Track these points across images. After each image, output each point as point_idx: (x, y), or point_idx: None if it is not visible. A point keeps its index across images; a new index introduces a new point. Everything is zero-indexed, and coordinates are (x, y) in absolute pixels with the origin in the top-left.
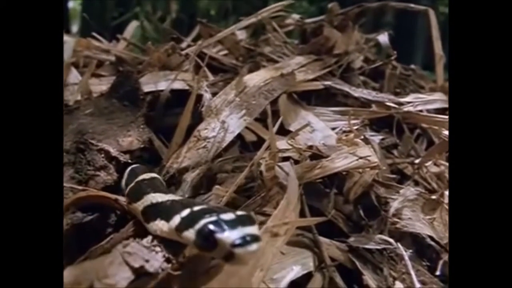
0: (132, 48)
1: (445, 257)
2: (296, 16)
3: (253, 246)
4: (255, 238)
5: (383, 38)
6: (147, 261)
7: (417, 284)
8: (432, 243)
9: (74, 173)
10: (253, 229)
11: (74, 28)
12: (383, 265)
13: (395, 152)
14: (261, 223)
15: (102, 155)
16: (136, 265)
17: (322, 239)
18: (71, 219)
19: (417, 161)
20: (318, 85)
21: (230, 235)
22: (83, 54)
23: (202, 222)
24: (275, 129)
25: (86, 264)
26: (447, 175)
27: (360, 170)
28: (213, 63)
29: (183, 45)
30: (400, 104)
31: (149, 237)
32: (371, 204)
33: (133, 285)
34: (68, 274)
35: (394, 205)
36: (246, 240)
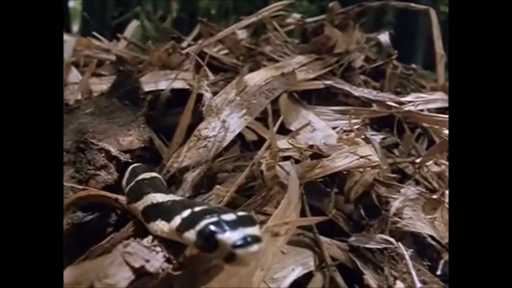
0: (132, 47)
1: (446, 256)
2: (296, 16)
3: (254, 247)
4: (256, 239)
5: (384, 37)
6: (147, 261)
7: (418, 284)
8: (433, 242)
9: (74, 172)
10: (254, 230)
11: (75, 27)
12: (384, 265)
13: (396, 151)
14: (262, 223)
15: (103, 155)
16: (137, 265)
17: (323, 238)
18: (71, 218)
19: (418, 160)
20: (319, 84)
21: (231, 236)
22: (83, 53)
23: (203, 223)
24: (275, 128)
25: (86, 264)
26: (448, 174)
27: (361, 169)
28: (213, 63)
29: (184, 44)
30: (401, 103)
31: (150, 237)
32: (371, 204)
33: (134, 285)
34: (68, 274)
35: (395, 204)
36: (247, 241)
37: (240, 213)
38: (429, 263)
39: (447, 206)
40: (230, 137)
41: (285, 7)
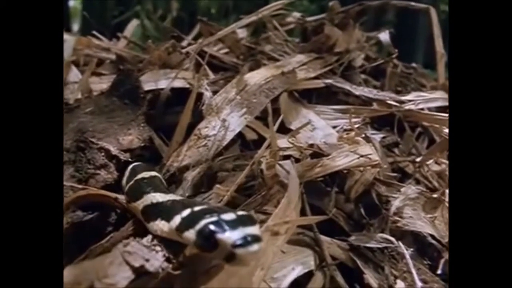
0: (132, 46)
1: (447, 255)
2: (297, 14)
3: (254, 247)
4: (256, 239)
5: (384, 36)
6: (147, 260)
7: (418, 283)
8: (433, 241)
9: (74, 171)
10: (254, 229)
11: (75, 26)
12: (384, 264)
13: (396, 150)
14: (262, 222)
15: (103, 154)
16: (136, 264)
17: (323, 237)
18: (71, 217)
19: (418, 159)
20: (319, 83)
21: (231, 236)
22: (83, 52)
23: (203, 222)
24: (276, 127)
25: (86, 264)
26: (448, 173)
27: (361, 168)
28: (213, 62)
29: (184, 43)
30: (401, 102)
31: (149, 236)
32: (372, 203)
33: (133, 284)
34: (68, 273)
35: (395, 203)
36: (247, 241)
37: (240, 213)
38: (429, 262)
39: (447, 205)
40: (230, 136)
41: (285, 6)
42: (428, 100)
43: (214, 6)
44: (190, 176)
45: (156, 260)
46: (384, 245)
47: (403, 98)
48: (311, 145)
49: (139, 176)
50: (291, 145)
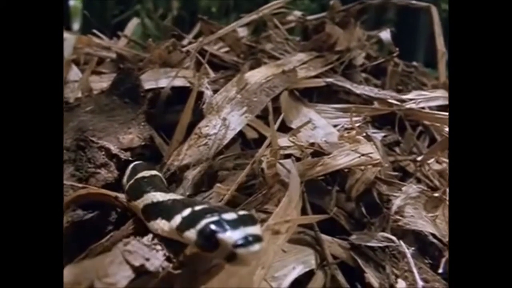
0: (133, 45)
1: (448, 254)
2: (297, 13)
3: (255, 247)
4: (257, 238)
5: (385, 35)
6: (147, 259)
7: (420, 282)
8: (435, 240)
9: (74, 170)
10: (255, 229)
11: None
12: (386, 263)
13: (397, 149)
14: (263, 221)
15: (103, 153)
16: (137, 263)
17: (324, 236)
18: (71, 216)
19: (419, 158)
20: (320, 82)
21: (232, 235)
22: (83, 51)
23: (204, 222)
24: (276, 126)
25: (86, 263)
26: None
27: (362, 167)
28: (214, 60)
29: (184, 42)
30: (402, 101)
31: (150, 235)
32: (373, 202)
33: (134, 284)
34: (68, 273)
35: (396, 202)
36: (248, 240)
37: (241, 212)
38: (430, 261)
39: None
40: (230, 135)
41: (286, 4)
42: (429, 99)
43: (215, 5)
44: (191, 175)
45: (157, 259)
46: (385, 244)
47: (404, 97)
48: (312, 144)
49: (140, 175)
50: (292, 144)
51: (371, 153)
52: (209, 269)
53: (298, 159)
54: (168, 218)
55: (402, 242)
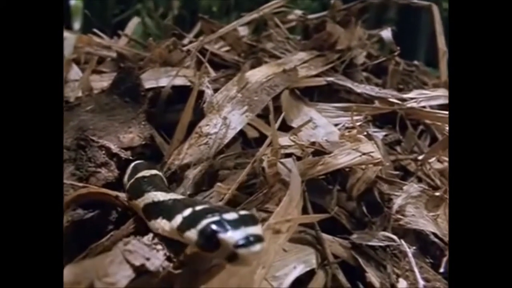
0: (133, 44)
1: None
2: (298, 12)
3: (257, 247)
4: (258, 238)
5: (386, 33)
6: (148, 259)
7: (421, 281)
8: (436, 240)
9: (75, 170)
10: (256, 229)
11: (76, 25)
12: (387, 262)
13: (398, 148)
14: (263, 220)
15: (103, 152)
16: (137, 263)
17: (325, 236)
18: (71, 216)
19: (420, 157)
20: (321, 81)
21: (233, 235)
22: (84, 50)
23: (205, 222)
24: (277, 125)
25: (86, 263)
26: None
27: (363, 166)
28: (214, 59)
29: (185, 41)
30: (403, 100)
31: (150, 235)
32: (374, 201)
33: (134, 283)
34: (68, 272)
35: (398, 201)
36: (250, 241)
37: (242, 212)
38: (431, 261)
39: None
40: (231, 134)
41: (287, 3)
42: (430, 98)
43: (216, 4)
44: (191, 174)
45: (157, 259)
46: (386, 243)
47: (405, 96)
48: (313, 143)
49: (140, 174)
50: (292, 143)
51: (372, 152)
52: (209, 268)
53: (299, 158)
54: (169, 217)
55: (403, 242)
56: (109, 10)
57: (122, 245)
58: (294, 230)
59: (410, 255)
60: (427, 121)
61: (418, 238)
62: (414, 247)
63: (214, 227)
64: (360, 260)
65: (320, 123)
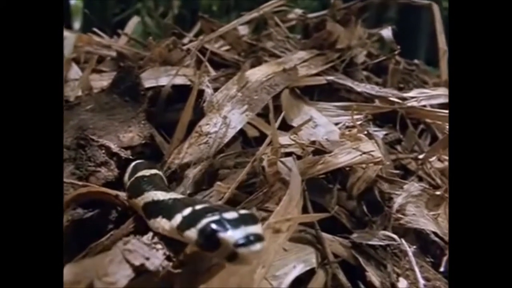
0: (133, 43)
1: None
2: (298, 11)
3: (257, 246)
4: (258, 238)
5: (387, 32)
6: (147, 259)
7: (421, 281)
8: (436, 239)
9: (74, 169)
10: (256, 228)
11: (76, 25)
12: (387, 262)
13: (398, 147)
14: (263, 219)
15: (103, 151)
16: (137, 263)
17: (325, 235)
18: (71, 215)
19: (421, 156)
20: (321, 80)
21: (233, 235)
22: (84, 49)
23: (204, 221)
24: (277, 124)
25: (86, 262)
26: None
27: (364, 165)
28: (214, 58)
29: (185, 40)
30: (404, 99)
31: (150, 234)
32: (374, 200)
33: (133, 283)
34: (68, 272)
35: (398, 200)
36: (250, 240)
37: (242, 211)
38: (432, 260)
39: None
40: (231, 133)
41: (287, 2)
42: (430, 97)
43: (216, 3)
44: (191, 173)
45: (157, 258)
46: (387, 242)
47: (405, 95)
48: (313, 142)
49: (140, 173)
50: (292, 142)
51: (373, 151)
52: (209, 268)
53: (299, 157)
54: (169, 217)
55: (403, 241)
56: (109, 9)
57: (121, 244)
58: (294, 229)
59: (410, 254)
60: (428, 120)
61: (419, 237)
62: (414, 246)
63: (214, 226)
64: (360, 259)
65: (320, 122)
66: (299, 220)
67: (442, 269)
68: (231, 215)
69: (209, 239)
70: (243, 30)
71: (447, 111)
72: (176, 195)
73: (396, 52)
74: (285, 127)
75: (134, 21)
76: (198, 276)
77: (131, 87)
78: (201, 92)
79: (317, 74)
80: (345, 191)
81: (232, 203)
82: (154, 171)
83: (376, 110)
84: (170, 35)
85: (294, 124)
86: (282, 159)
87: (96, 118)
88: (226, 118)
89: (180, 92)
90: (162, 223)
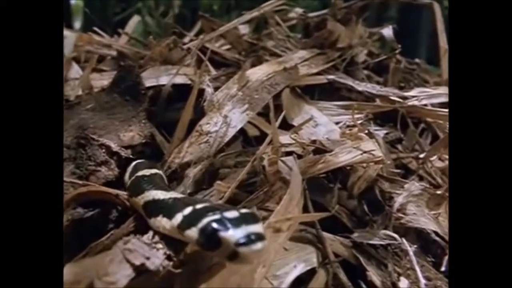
0: (134, 43)
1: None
2: (299, 10)
3: (258, 245)
4: (259, 237)
5: (388, 31)
6: (148, 258)
7: (422, 280)
8: (437, 238)
9: (75, 168)
10: (257, 227)
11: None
12: (388, 261)
13: (399, 146)
14: (264, 219)
15: (103, 150)
16: (137, 262)
17: (326, 234)
18: (71, 214)
19: (421, 155)
20: (322, 79)
21: (234, 234)
22: (84, 49)
23: (205, 220)
24: (278, 123)
25: (86, 262)
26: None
27: (364, 164)
28: (215, 58)
29: (185, 39)
30: (405, 98)
31: (150, 234)
32: (375, 199)
33: (134, 283)
34: (68, 271)
35: (399, 200)
36: (251, 239)
37: (243, 210)
38: (433, 259)
39: None
40: (232, 132)
41: (287, 1)
42: (431, 96)
43: (216, 3)
44: (192, 172)
45: (157, 258)
46: (388, 242)
47: (406, 94)
48: (314, 141)
49: (140, 173)
50: (293, 141)
51: (373, 150)
52: (210, 267)
53: (299, 157)
54: (169, 216)
55: (404, 240)
56: (110, 8)
57: (122, 244)
58: (294, 228)
59: (411, 253)
60: (428, 119)
61: (419, 236)
62: (415, 246)
63: (215, 225)
64: (361, 258)
65: (321, 121)
66: (300, 219)
67: (443, 268)
68: (232, 214)
69: (210, 238)
70: (244, 29)
71: (448, 110)
72: (177, 194)
73: (397, 51)
74: (286, 126)
75: (135, 20)
76: (198, 275)
77: (132, 86)
78: (201, 91)
79: (318, 73)
80: (345, 191)
81: (233, 202)
82: (154, 170)
83: (377, 109)
84: (170, 34)
85: (295, 123)
86: (283, 158)
87: (96, 117)
88: (227, 117)
89: (181, 91)
90: (162, 222)
